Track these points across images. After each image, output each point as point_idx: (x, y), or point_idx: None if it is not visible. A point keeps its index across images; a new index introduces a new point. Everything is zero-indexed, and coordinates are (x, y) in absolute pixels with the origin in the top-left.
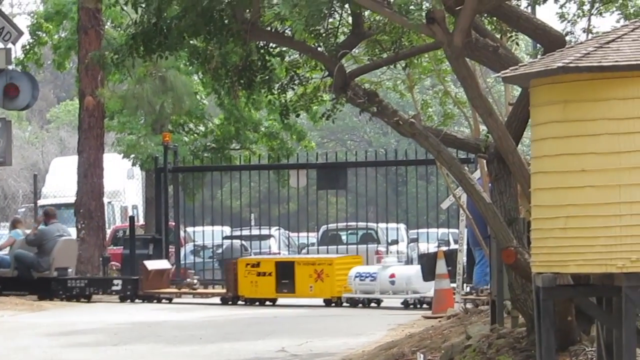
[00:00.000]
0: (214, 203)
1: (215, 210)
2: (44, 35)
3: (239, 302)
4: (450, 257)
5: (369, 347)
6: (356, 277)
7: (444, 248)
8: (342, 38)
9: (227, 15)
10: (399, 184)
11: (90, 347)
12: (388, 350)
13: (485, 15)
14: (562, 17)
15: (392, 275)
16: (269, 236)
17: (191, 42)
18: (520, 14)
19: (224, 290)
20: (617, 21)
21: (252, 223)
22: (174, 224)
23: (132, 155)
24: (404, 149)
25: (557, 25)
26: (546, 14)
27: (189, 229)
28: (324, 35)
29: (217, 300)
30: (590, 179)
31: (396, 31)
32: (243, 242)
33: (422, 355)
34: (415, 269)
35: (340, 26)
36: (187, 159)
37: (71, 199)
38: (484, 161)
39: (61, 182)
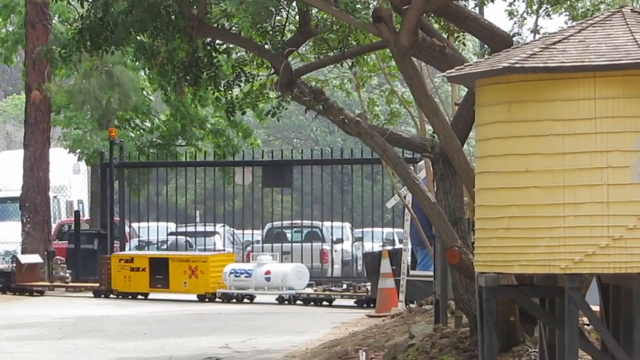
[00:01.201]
0: (160, 199)
1: (160, 206)
2: None
3: (111, 296)
4: (395, 257)
5: (313, 345)
6: (231, 273)
7: (389, 247)
8: (288, 36)
9: (173, 12)
10: (344, 182)
11: (34, 341)
12: (331, 349)
13: (433, 14)
14: (510, 14)
15: (268, 272)
16: (214, 233)
17: (138, 37)
18: (468, 14)
19: (97, 285)
20: (565, 22)
21: (197, 220)
22: (119, 219)
23: (78, 150)
24: (350, 148)
25: (505, 26)
26: (494, 13)
27: (134, 225)
28: (270, 32)
29: (90, 293)
30: (535, 179)
31: (343, 30)
32: (188, 238)
33: (364, 354)
34: (292, 266)
35: (287, 24)
36: (133, 155)
37: (17, 192)
38: (430, 161)
39: (7, 176)
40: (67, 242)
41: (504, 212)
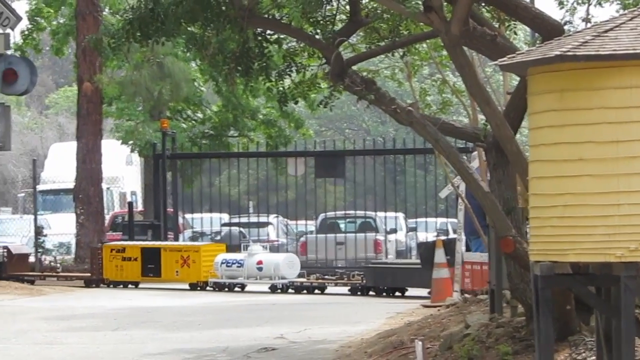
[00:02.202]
0: (212, 190)
1: (213, 197)
2: (43, 20)
3: (102, 285)
4: (449, 246)
5: (368, 335)
6: (222, 263)
7: (443, 237)
8: (339, 25)
9: (224, 2)
10: (397, 173)
11: (88, 332)
12: (387, 339)
13: (483, 3)
14: (560, 4)
15: (260, 262)
16: (267, 224)
17: (188, 28)
18: (518, 2)
19: (88, 274)
20: (617, 11)
21: (251, 211)
22: (172, 210)
23: (131, 142)
24: (402, 138)
25: (556, 14)
26: (545, 2)
27: (187, 216)
28: (321, 22)
29: (81, 282)
30: (588, 168)
31: (394, 19)
32: (241, 229)
33: (420, 343)
34: (284, 256)
35: (337, 14)
36: (185, 146)
37: (70, 184)
38: (482, 150)
39: (60, 168)
40: (120, 233)
41: (557, 200)
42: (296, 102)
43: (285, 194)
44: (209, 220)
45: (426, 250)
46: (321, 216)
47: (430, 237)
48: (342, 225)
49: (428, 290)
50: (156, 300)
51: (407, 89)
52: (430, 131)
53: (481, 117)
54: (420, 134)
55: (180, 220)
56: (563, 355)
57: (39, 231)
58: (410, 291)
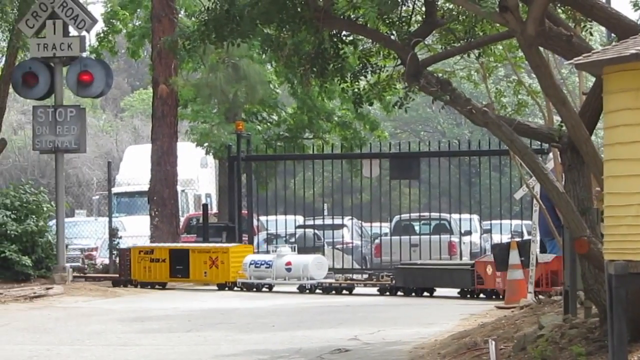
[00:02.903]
0: (287, 192)
1: (288, 199)
2: (118, 23)
3: (129, 286)
4: (523, 248)
5: (441, 336)
6: (251, 264)
7: (517, 239)
8: (415, 26)
9: (299, 3)
10: (472, 174)
11: (163, 333)
12: (460, 340)
13: (559, 3)
14: (635, 5)
15: (289, 264)
16: (341, 226)
17: (264, 30)
18: (594, 2)
19: (117, 275)
20: None
21: (325, 213)
22: (247, 212)
23: (206, 144)
24: (478, 140)
25: (632, 15)
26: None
27: (262, 218)
28: (397, 23)
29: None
30: None
31: (469, 20)
32: (316, 231)
33: (493, 343)
34: (312, 257)
35: (413, 14)
36: (260, 148)
37: (145, 186)
38: (557, 151)
39: (135, 170)
40: (195, 235)
41: (632, 199)
42: (371, 104)
43: (360, 196)
44: (284, 223)
45: (500, 251)
46: (395, 218)
47: (505, 239)
48: (416, 227)
49: (457, 290)
50: (230, 302)
51: (483, 90)
52: (505, 132)
53: (556, 118)
54: (495, 135)
55: (255, 222)
56: (637, 356)
57: (113, 233)
58: (439, 291)
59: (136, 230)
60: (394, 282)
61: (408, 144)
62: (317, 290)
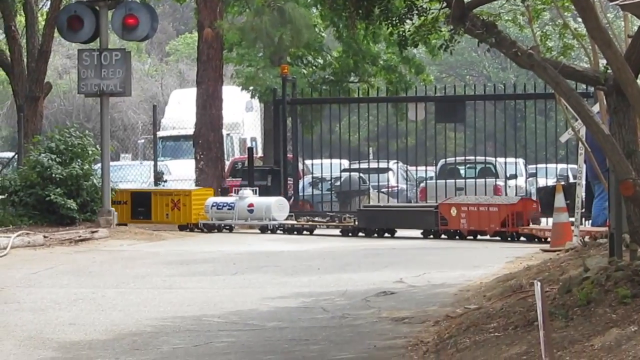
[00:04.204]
0: (332, 136)
1: (333, 143)
2: None
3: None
4: (569, 191)
5: (487, 279)
6: (213, 206)
7: (563, 182)
8: None
9: None
10: (517, 118)
11: (208, 276)
12: (506, 282)
13: None
14: None
15: (251, 205)
16: (387, 169)
17: None
18: None
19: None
20: None
21: (371, 157)
22: (292, 156)
23: (251, 88)
24: (523, 84)
25: None
26: None
27: (307, 162)
28: None
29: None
30: None
31: None
32: (361, 175)
33: (539, 284)
34: (275, 199)
35: None
36: (306, 92)
37: (190, 130)
38: (603, 94)
39: (180, 114)
40: (240, 179)
41: None
42: (416, 47)
43: (405, 140)
44: (329, 166)
45: (546, 195)
46: (441, 162)
47: (550, 183)
48: (462, 171)
49: (421, 231)
50: (275, 245)
51: (528, 34)
52: (550, 74)
53: (602, 61)
54: (540, 77)
55: (300, 166)
56: None
57: (158, 177)
58: (399, 232)
59: (181, 173)
60: (356, 223)
61: (453, 87)
62: (278, 231)
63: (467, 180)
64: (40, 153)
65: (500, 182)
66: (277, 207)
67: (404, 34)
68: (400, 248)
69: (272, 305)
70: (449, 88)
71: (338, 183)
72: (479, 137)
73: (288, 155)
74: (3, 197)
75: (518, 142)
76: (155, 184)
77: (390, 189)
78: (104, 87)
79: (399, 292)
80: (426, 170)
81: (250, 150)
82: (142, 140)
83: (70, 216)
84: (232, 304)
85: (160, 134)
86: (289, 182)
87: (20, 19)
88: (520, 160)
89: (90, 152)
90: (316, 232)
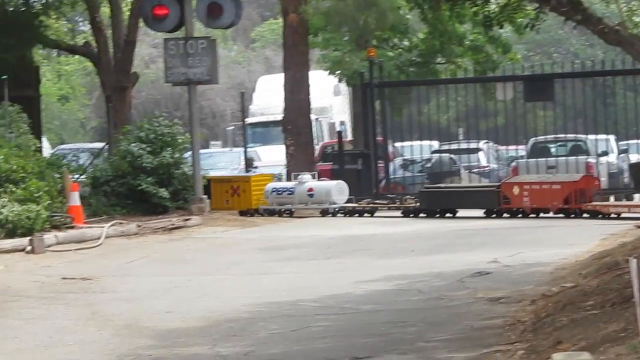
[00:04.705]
0: (421, 118)
1: (422, 124)
2: None
3: None
4: None
5: (582, 256)
6: (273, 191)
7: None
8: None
9: None
10: (607, 95)
11: (302, 261)
12: (601, 260)
13: None
14: None
15: (311, 189)
16: (477, 150)
17: None
18: None
19: None
20: None
21: (460, 137)
22: (381, 138)
23: (338, 72)
24: (611, 60)
25: None
26: None
27: (397, 144)
28: None
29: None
30: None
31: None
32: (452, 155)
33: (635, 261)
34: (334, 183)
35: None
36: (393, 74)
37: (279, 116)
38: None
39: (268, 100)
40: (331, 163)
41: None
42: (501, 26)
43: (495, 120)
44: (419, 148)
45: (638, 171)
46: (531, 140)
47: None
48: (552, 149)
49: (484, 210)
50: (367, 228)
51: (614, 10)
52: (639, 50)
53: None
54: (628, 53)
55: (390, 148)
56: None
57: (249, 163)
58: (461, 212)
59: (271, 159)
60: (418, 204)
61: (541, 66)
62: (339, 214)
63: (559, 158)
64: (130, 143)
65: (592, 159)
66: (337, 190)
67: (488, 14)
68: (492, 228)
69: (367, 289)
70: (537, 66)
71: (429, 165)
72: (568, 114)
73: (378, 138)
74: (95, 187)
75: (608, 119)
76: (246, 170)
77: (481, 169)
78: (191, 76)
79: (494, 272)
80: (517, 149)
81: (340, 134)
82: (231, 127)
83: (162, 205)
84: (327, 288)
85: (249, 120)
86: (379, 164)
87: (105, 10)
88: (611, 137)
89: (179, 140)
90: (377, 214)
